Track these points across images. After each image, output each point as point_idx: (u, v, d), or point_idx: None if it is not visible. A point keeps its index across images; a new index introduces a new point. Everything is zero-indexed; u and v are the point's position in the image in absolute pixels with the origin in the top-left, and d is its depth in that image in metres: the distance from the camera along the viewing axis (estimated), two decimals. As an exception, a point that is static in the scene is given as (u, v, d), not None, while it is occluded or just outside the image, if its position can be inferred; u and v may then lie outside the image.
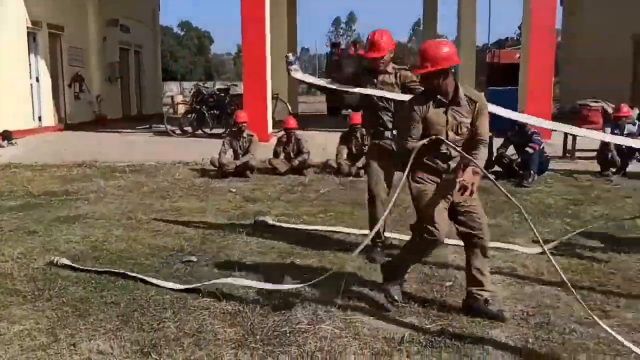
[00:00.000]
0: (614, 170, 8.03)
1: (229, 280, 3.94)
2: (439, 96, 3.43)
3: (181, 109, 15.54)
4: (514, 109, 10.59)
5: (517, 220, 5.72)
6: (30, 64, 13.99)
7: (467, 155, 3.37)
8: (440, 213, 3.42)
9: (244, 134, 8.66)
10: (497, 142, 8.44)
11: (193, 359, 2.99)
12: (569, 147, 9.53)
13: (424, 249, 3.57)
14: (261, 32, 11.40)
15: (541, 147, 8.01)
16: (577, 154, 9.29)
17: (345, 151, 8.75)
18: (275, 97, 13.02)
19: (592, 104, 9.49)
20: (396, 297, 3.63)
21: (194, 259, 4.60)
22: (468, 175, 3.29)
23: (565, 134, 9.70)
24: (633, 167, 8.10)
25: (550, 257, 3.17)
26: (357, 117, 8.76)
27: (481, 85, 17.45)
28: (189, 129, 13.35)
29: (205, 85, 14.37)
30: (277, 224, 5.67)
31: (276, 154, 8.81)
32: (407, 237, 5.10)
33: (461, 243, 4.22)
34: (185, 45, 71.33)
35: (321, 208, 6.43)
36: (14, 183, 8.02)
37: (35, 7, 13.69)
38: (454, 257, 4.58)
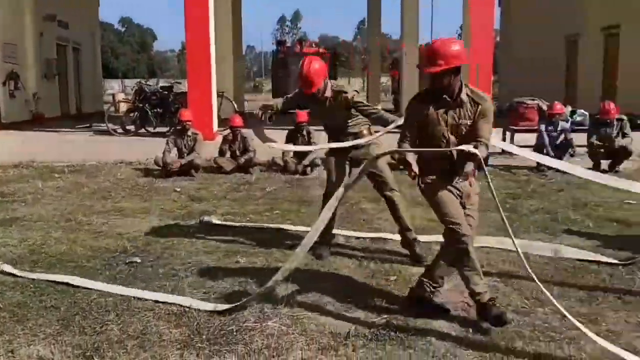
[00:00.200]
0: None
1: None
2: (444, 96, 3.33)
3: (123, 107, 15.14)
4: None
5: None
6: (-40, 61, 13.33)
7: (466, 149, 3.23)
8: (457, 207, 3.37)
9: (189, 133, 8.54)
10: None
11: (137, 361, 2.95)
12: (508, 142, 9.87)
13: (461, 248, 3.35)
14: (205, 29, 11.27)
15: (481, 143, 8.26)
16: (515, 150, 9.60)
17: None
18: (220, 95, 12.88)
19: (529, 102, 9.87)
20: (503, 317, 3.29)
21: (137, 260, 4.52)
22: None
23: (504, 131, 10.05)
24: (566, 162, 8.48)
25: (521, 253, 3.18)
26: (302, 115, 8.80)
27: (425, 83, 17.81)
28: (131, 127, 13.04)
29: (148, 83, 14.07)
30: (223, 222, 5.64)
31: (222, 153, 8.74)
32: (354, 233, 5.24)
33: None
34: (126, 41, 69.61)
35: (267, 206, 6.43)
36: (-57, 185, 7.64)
37: (-35, 1, 13.06)
38: (398, 251, 4.69)
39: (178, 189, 7.41)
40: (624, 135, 8.14)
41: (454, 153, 3.35)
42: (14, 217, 5.90)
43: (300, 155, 8.60)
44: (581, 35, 17.16)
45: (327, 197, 4.69)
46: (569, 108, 10.25)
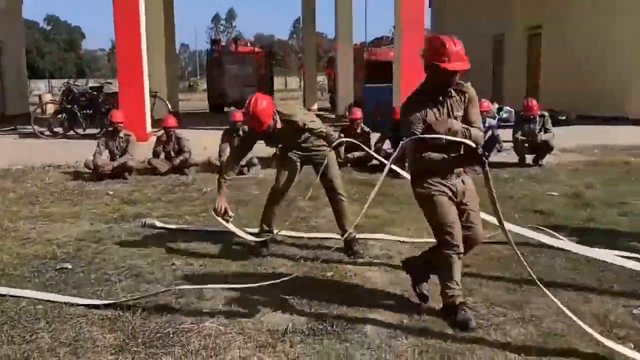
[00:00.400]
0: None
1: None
2: (450, 90, 3.32)
3: (50, 108, 14.57)
4: (390, 104, 11.17)
5: (395, 210, 6.04)
6: None
7: (469, 143, 3.22)
8: (452, 214, 3.36)
9: (120, 134, 8.33)
10: (375, 136, 8.85)
11: (70, 368, 2.88)
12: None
13: (447, 255, 3.36)
14: (135, 27, 10.99)
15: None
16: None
17: (228, 149, 8.70)
18: (153, 95, 12.62)
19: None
20: (467, 322, 3.29)
21: (68, 266, 4.39)
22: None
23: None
24: (493, 157, 8.84)
25: (515, 247, 3.22)
26: (238, 115, 8.76)
27: (360, 82, 18.06)
28: (59, 130, 12.56)
29: (76, 83, 13.58)
30: (167, 226, 5.54)
31: (156, 154, 8.58)
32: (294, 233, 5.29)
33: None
34: (53, 40, 66.86)
35: (204, 207, 6.37)
36: None
37: None
38: (335, 248, 4.77)
39: (110, 192, 7.22)
40: (546, 130, 8.57)
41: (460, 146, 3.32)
42: None
43: (236, 155, 8.54)
44: (507, 35, 17.90)
45: (275, 193, 4.75)
46: (496, 105, 10.70)
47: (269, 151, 8.95)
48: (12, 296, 3.76)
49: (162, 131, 8.90)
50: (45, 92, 28.56)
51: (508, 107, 10.84)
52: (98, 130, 11.70)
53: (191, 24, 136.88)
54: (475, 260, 4.46)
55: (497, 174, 8.08)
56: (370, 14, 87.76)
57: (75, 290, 3.90)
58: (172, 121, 8.76)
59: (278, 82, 46.18)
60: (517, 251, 3.23)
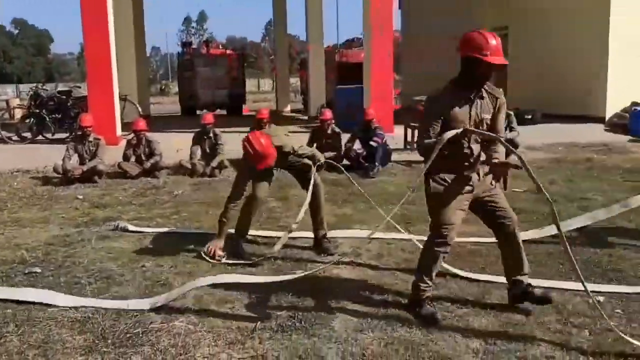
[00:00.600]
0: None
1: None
2: (483, 90, 3.32)
3: (18, 113, 14.30)
4: (361, 105, 11.28)
5: (362, 209, 6.14)
6: None
7: (508, 146, 3.22)
8: (455, 215, 3.36)
9: (90, 138, 8.28)
10: (345, 137, 8.95)
11: (39, 370, 2.90)
12: (409, 139, 10.34)
13: (434, 252, 3.43)
14: (104, 29, 10.91)
15: (384, 140, 8.64)
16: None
17: (199, 151, 8.74)
18: (123, 98, 12.52)
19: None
20: (435, 315, 3.40)
21: (37, 270, 4.38)
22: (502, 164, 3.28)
23: (405, 128, 10.52)
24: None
25: (565, 242, 3.17)
26: (209, 117, 8.79)
27: (332, 83, 18.17)
28: (28, 134, 12.37)
29: (44, 87, 13.36)
30: (138, 229, 5.54)
31: (126, 157, 8.54)
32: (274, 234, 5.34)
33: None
34: (20, 44, 65.62)
35: (175, 210, 6.39)
36: None
37: None
38: (304, 247, 4.86)
39: (80, 197, 7.18)
40: (511, 129, 8.78)
41: (474, 148, 3.34)
42: None
43: (208, 158, 8.58)
44: (474, 36, 18.20)
45: (253, 204, 4.81)
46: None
47: (239, 153, 9.01)
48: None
49: (132, 134, 8.87)
50: (12, 97, 28.02)
51: (475, 107, 11.06)
52: (67, 134, 11.56)
53: (162, 26, 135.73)
54: (467, 256, 4.59)
55: (464, 172, 8.27)
56: (342, 16, 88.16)
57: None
58: (142, 124, 8.73)
59: (251, 84, 46.04)
60: (568, 246, 3.17)
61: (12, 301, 3.72)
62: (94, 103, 10.82)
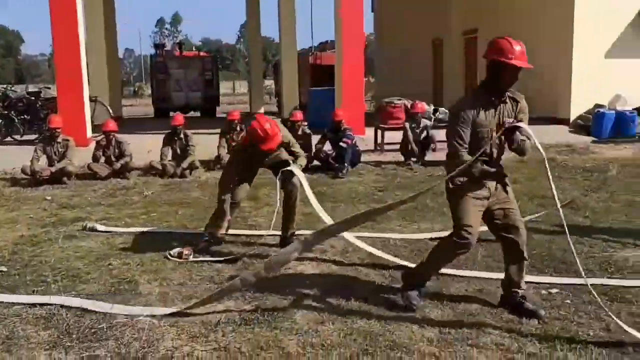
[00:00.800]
0: (414, 159, 9.05)
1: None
2: (508, 93, 3.42)
3: (-14, 115, 14.12)
4: (333, 107, 11.41)
5: (329, 208, 6.24)
6: None
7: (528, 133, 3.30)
8: (475, 217, 3.41)
9: (59, 139, 8.25)
10: (315, 138, 9.07)
11: (3, 364, 2.95)
12: (379, 141, 10.50)
13: (454, 253, 3.49)
14: (73, 30, 10.84)
15: (353, 141, 8.77)
16: (386, 146, 10.28)
17: (170, 152, 8.76)
18: (93, 100, 12.45)
19: (396, 102, 10.58)
20: (414, 302, 3.56)
21: (3, 269, 4.40)
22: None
23: (376, 130, 10.67)
24: (429, 156, 9.22)
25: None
26: (179, 118, 8.82)
27: (306, 85, 18.29)
28: (-4, 136, 12.23)
29: (13, 88, 13.22)
30: (108, 229, 5.56)
31: (96, 158, 8.52)
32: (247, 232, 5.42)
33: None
34: (-11, 45, 64.43)
35: (144, 210, 6.43)
36: None
37: None
38: (270, 245, 4.95)
39: (49, 198, 7.16)
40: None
41: (494, 152, 3.43)
42: None
43: (178, 158, 8.61)
44: (445, 39, 18.49)
45: (232, 205, 4.86)
46: (432, 107, 11.11)
47: (211, 154, 9.07)
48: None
49: (102, 136, 8.85)
50: (-19, 98, 27.46)
51: (443, 108, 11.26)
52: (36, 135, 11.46)
53: (135, 27, 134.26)
54: (403, 252, 4.73)
55: (431, 171, 8.46)
56: (316, 19, 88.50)
57: (10, 292, 3.93)
58: (112, 125, 8.72)
59: (226, 86, 45.92)
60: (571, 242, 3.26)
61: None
62: (63, 104, 10.74)
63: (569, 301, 3.68)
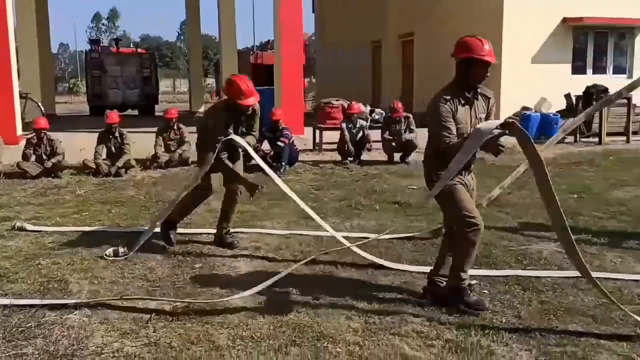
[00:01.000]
0: (351, 159, 9.27)
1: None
2: (478, 89, 3.53)
3: None
4: (272, 106, 11.49)
5: (265, 206, 6.35)
6: None
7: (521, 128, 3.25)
8: (470, 201, 3.54)
9: (-14, 137, 7.97)
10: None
11: None
12: (317, 140, 10.67)
13: (473, 241, 3.51)
14: (2, 22, 10.45)
15: (290, 141, 8.89)
16: (324, 146, 10.46)
17: (104, 151, 8.61)
18: (24, 97, 12.04)
19: (334, 103, 10.80)
20: (481, 303, 3.58)
21: None
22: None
23: (314, 129, 10.84)
24: (364, 156, 9.47)
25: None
26: (113, 116, 8.68)
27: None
28: None
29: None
30: (38, 228, 5.44)
31: (26, 157, 8.27)
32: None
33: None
34: None
35: (76, 209, 6.32)
36: None
37: None
38: (206, 242, 5.00)
39: (-25, 197, 6.92)
40: (411, 130, 9.32)
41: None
42: None
43: (113, 157, 8.48)
44: (383, 42, 18.92)
45: (200, 196, 4.92)
46: (368, 107, 11.39)
47: (147, 153, 8.98)
48: None
49: (33, 133, 8.60)
50: None
51: (380, 109, 11.58)
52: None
53: (71, 22, 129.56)
54: (333, 247, 4.89)
55: (367, 170, 8.69)
56: (258, 18, 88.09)
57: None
58: (43, 122, 8.49)
59: (166, 84, 45.09)
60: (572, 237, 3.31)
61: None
62: (-9, 101, 10.34)
63: (486, 291, 3.92)
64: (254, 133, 5.06)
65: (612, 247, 4.82)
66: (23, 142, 9.09)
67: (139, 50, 24.28)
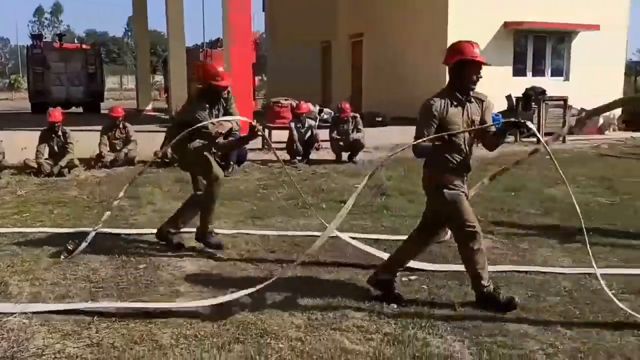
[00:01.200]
0: (299, 158, 9.36)
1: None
2: (471, 92, 3.61)
3: None
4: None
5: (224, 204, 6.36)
6: None
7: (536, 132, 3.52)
8: (472, 214, 3.66)
9: None
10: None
11: None
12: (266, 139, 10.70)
13: (476, 247, 3.64)
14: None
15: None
16: (273, 145, 10.48)
17: (46, 150, 8.40)
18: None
19: (283, 102, 10.86)
20: (512, 300, 3.63)
21: None
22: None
23: (263, 129, 10.84)
24: (313, 155, 9.58)
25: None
26: (56, 114, 8.49)
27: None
28: None
29: None
30: None
31: (-43, 157, 8.00)
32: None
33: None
34: None
35: (17, 210, 6.18)
36: None
37: None
38: (152, 242, 4.99)
39: None
40: (358, 130, 9.49)
41: (468, 150, 3.67)
42: None
43: (55, 156, 8.29)
44: (333, 42, 19.10)
45: (216, 192, 4.83)
46: (317, 107, 11.51)
47: (92, 152, 8.83)
48: None
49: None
50: None
51: (328, 109, 11.72)
52: None
53: (12, 16, 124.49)
54: (282, 245, 4.97)
55: (315, 170, 8.80)
56: (208, 14, 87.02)
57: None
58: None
59: (113, 81, 44.07)
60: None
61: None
62: None
63: (425, 286, 4.08)
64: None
65: (542, 241, 5.09)
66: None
67: (84, 45, 23.56)
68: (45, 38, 25.73)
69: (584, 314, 3.59)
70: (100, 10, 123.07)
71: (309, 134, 9.50)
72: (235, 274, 4.34)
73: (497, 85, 13.34)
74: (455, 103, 3.61)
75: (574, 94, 13.19)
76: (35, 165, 8.13)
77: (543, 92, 12.32)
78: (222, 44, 20.92)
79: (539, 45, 14.81)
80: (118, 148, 8.95)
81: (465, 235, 3.63)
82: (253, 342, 3.21)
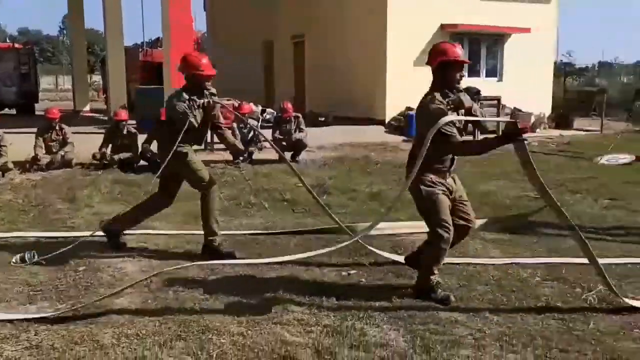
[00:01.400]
0: (242, 158, 9.38)
1: None
2: (462, 90, 3.75)
3: None
4: (161, 106, 11.32)
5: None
6: None
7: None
8: (447, 213, 3.71)
9: None
10: (142, 137, 8.98)
11: None
12: (209, 140, 10.65)
13: (442, 250, 3.73)
14: None
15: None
16: (215, 146, 10.47)
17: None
18: None
19: (225, 102, 10.84)
20: (448, 298, 3.76)
21: None
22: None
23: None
24: (255, 155, 9.64)
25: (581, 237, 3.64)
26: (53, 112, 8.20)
27: (134, 83, 17.72)
28: None
29: None
30: None
31: None
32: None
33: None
34: None
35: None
36: None
37: None
38: (92, 244, 4.94)
39: None
40: (300, 130, 9.61)
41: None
42: None
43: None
44: (275, 42, 19.14)
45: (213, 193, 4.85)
46: (260, 107, 11.56)
47: (27, 155, 8.58)
48: None
49: None
50: None
51: (271, 109, 11.80)
52: None
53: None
54: (225, 243, 5.02)
55: (257, 169, 8.86)
56: (147, 13, 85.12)
57: None
58: None
59: (47, 81, 42.44)
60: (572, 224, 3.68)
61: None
62: None
63: (363, 280, 4.24)
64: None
65: (474, 234, 5.34)
66: None
67: (16, 44, 22.66)
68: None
69: (510, 300, 3.84)
70: (34, 7, 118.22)
71: (251, 133, 9.54)
72: (173, 273, 4.33)
73: (435, 86, 13.83)
74: (452, 107, 3.77)
75: (506, 94, 13.78)
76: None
77: (478, 92, 12.77)
78: (162, 44, 20.66)
79: (474, 47, 15.34)
80: (54, 150, 8.73)
81: (440, 236, 3.71)
82: (195, 339, 3.27)
